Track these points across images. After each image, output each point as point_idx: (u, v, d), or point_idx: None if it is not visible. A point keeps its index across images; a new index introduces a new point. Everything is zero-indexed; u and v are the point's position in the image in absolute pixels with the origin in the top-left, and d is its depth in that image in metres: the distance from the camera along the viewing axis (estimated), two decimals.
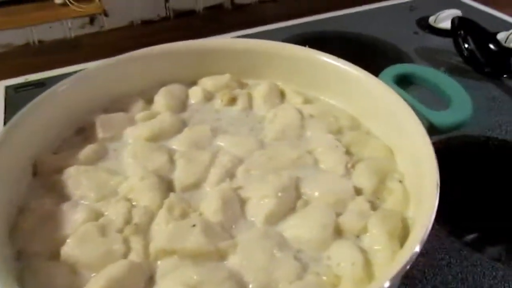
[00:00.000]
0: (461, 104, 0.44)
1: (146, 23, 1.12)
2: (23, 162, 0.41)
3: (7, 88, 0.85)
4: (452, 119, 0.43)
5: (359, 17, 1.09)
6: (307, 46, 0.52)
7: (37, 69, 0.90)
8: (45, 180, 0.41)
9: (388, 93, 0.44)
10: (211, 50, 0.54)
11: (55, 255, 0.35)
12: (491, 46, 0.91)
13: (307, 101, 0.52)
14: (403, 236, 0.35)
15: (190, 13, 1.16)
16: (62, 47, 1.02)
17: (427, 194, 0.33)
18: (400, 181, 0.41)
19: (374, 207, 0.38)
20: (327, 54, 0.51)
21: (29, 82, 0.87)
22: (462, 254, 0.53)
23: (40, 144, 0.44)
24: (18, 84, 0.86)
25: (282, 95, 0.53)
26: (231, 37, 0.94)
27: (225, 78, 0.54)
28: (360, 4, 1.13)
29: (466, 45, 0.91)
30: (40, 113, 0.43)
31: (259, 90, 0.52)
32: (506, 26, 1.00)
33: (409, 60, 0.94)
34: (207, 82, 0.54)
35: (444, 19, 1.04)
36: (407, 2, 1.20)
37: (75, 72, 0.92)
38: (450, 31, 0.99)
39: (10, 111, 0.79)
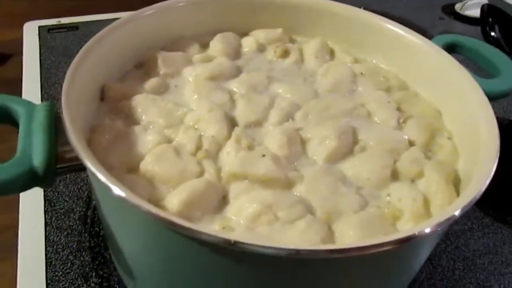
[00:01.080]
0: (509, 73, 0.47)
1: None
2: (93, 86, 0.43)
3: (40, 28, 0.85)
4: (502, 87, 0.46)
5: None
6: (362, 7, 0.54)
7: (68, 13, 0.90)
8: (112, 104, 0.43)
9: (444, 56, 0.46)
10: (265, 2, 0.55)
11: (132, 169, 0.37)
12: None
13: (356, 60, 0.54)
14: (454, 185, 0.38)
15: None
16: None
17: (486, 153, 0.35)
18: (449, 138, 0.43)
19: (427, 157, 0.40)
20: (382, 17, 0.53)
21: (62, 24, 0.87)
22: (484, 222, 0.57)
23: (106, 73, 0.45)
24: (52, 25, 0.86)
25: (332, 53, 0.55)
26: None
27: (278, 32, 0.55)
28: None
29: (493, 33, 0.93)
30: (106, 43, 0.45)
31: (311, 45, 0.54)
32: None
33: None
34: (260, 34, 0.55)
35: (471, 7, 1.06)
36: None
37: (108, 19, 0.93)
38: (476, 19, 1.01)
39: (44, 50, 0.80)
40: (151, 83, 0.45)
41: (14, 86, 0.71)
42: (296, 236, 0.31)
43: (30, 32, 0.84)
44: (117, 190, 0.28)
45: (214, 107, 0.42)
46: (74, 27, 0.87)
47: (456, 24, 1.05)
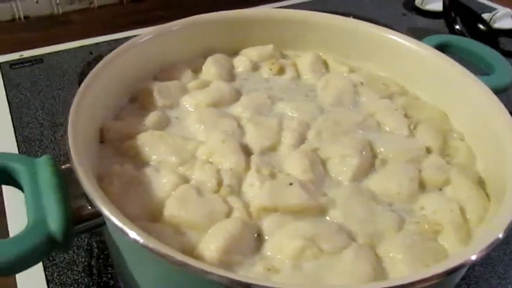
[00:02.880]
0: (503, 70, 0.48)
1: (135, 0, 1.08)
2: (91, 129, 0.39)
3: (2, 64, 0.79)
4: (498, 83, 0.47)
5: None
6: (351, 16, 0.54)
7: (28, 46, 0.84)
8: (115, 146, 0.40)
9: (440, 56, 0.47)
10: (253, 20, 0.54)
11: (155, 217, 0.34)
12: (480, 26, 0.97)
13: (352, 69, 0.53)
14: (481, 187, 0.38)
15: None
16: (51, 23, 0.96)
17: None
18: (462, 140, 0.43)
19: (447, 162, 0.40)
20: (370, 24, 0.53)
21: (25, 58, 0.81)
22: None
23: (102, 113, 0.42)
24: (13, 60, 0.81)
25: (326, 65, 0.54)
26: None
27: (269, 48, 0.54)
28: None
29: (457, 26, 0.97)
30: (100, 81, 0.41)
31: (305, 59, 0.53)
32: (487, 9, 1.07)
33: None
34: (251, 53, 0.54)
35: (430, 1, 1.09)
36: None
37: (73, 48, 0.88)
38: (437, 12, 1.04)
39: (10, 88, 0.74)
40: (152, 118, 0.42)
41: None
42: (346, 270, 0.30)
43: None
44: (156, 248, 0.26)
45: (226, 137, 0.39)
46: (38, 60, 0.81)
47: (419, 19, 1.08)
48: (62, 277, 0.47)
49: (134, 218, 0.33)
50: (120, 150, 0.40)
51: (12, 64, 0.80)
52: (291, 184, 0.35)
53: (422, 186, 0.38)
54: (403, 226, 0.35)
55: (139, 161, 0.39)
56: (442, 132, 0.44)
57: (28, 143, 0.63)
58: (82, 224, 0.31)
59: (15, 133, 0.65)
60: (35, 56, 0.82)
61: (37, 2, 0.96)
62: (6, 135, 0.64)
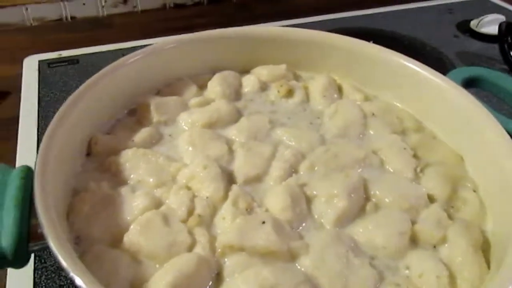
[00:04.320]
0: None
1: (178, 6, 1.10)
2: (78, 141, 0.39)
3: (41, 62, 0.83)
4: None
5: (394, 15, 1.06)
6: (371, 41, 0.50)
7: (69, 45, 0.88)
8: (99, 161, 0.39)
9: (463, 95, 0.42)
10: (268, 38, 0.52)
11: (116, 241, 0.33)
12: None
13: (366, 98, 0.49)
14: (483, 250, 0.33)
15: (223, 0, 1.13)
16: (95, 25, 1.00)
17: None
18: (474, 191, 0.38)
19: (449, 216, 0.36)
20: (393, 52, 0.48)
21: (63, 58, 0.85)
22: None
23: (94, 124, 0.42)
24: (52, 59, 0.84)
25: (339, 90, 0.51)
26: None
27: (281, 68, 0.51)
28: (397, 3, 1.10)
29: None
30: (96, 92, 0.41)
31: (317, 83, 0.50)
32: None
33: (451, 64, 0.91)
34: (262, 72, 0.51)
35: (487, 24, 1.01)
36: (446, 4, 1.16)
37: (109, 51, 0.91)
38: (493, 36, 0.96)
39: (43, 86, 0.77)
40: (142, 134, 0.42)
41: (11, 125, 0.69)
42: None
43: (30, 67, 0.82)
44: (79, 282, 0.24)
45: (209, 163, 0.38)
46: (74, 60, 0.85)
47: (472, 42, 1.00)
48: (49, 281, 0.48)
49: (95, 240, 0.32)
50: (103, 165, 0.39)
51: (50, 63, 0.83)
52: (263, 222, 0.33)
53: (413, 241, 0.34)
54: (380, 286, 0.31)
55: (118, 179, 0.38)
56: (452, 180, 0.39)
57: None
58: (38, 242, 0.30)
59: (37, 131, 0.68)
60: (72, 56, 0.85)
61: (84, 4, 1.00)
62: (29, 134, 0.67)
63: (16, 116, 0.71)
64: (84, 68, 0.82)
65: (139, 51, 0.45)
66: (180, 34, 0.89)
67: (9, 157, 0.61)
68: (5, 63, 0.86)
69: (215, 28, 0.93)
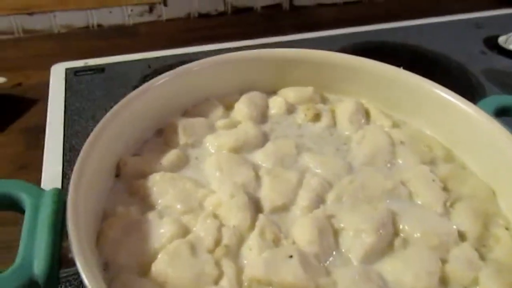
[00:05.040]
0: None
1: (203, 16, 1.10)
2: (109, 162, 0.40)
3: (67, 70, 0.85)
4: None
5: (420, 30, 1.05)
6: (401, 67, 0.49)
7: (95, 53, 0.89)
8: (128, 183, 0.40)
9: (494, 127, 0.41)
10: (296, 59, 0.52)
11: (144, 270, 0.33)
12: None
13: (395, 124, 0.49)
14: None
15: (248, 10, 1.14)
16: (121, 33, 1.02)
17: None
18: (507, 229, 0.37)
19: (481, 256, 0.35)
20: (423, 78, 0.48)
21: (89, 66, 0.86)
22: None
23: (124, 145, 0.42)
24: (78, 67, 0.85)
25: (367, 115, 0.50)
26: (287, 40, 0.92)
27: (309, 90, 0.51)
28: (422, 17, 1.09)
29: None
30: (125, 115, 0.42)
31: (345, 107, 0.49)
32: None
33: (477, 81, 0.89)
34: (289, 94, 0.51)
35: None
36: (474, 18, 1.14)
37: (134, 60, 0.92)
38: None
39: (69, 94, 0.79)
40: (171, 156, 0.42)
41: (40, 133, 0.70)
42: None
43: (57, 75, 0.84)
44: None
45: (236, 191, 0.37)
46: (100, 69, 0.86)
47: (500, 59, 0.98)
48: None
49: (123, 268, 0.33)
50: (132, 188, 0.39)
51: (77, 71, 0.85)
52: (291, 256, 0.33)
53: (444, 282, 0.33)
54: None
55: (146, 203, 0.38)
56: (484, 215, 0.38)
57: (73, 152, 0.66)
58: (69, 269, 0.31)
59: (63, 140, 0.69)
60: (98, 65, 0.87)
61: (110, 12, 1.01)
62: (55, 142, 0.68)
63: (44, 124, 0.72)
64: (110, 77, 0.83)
65: (167, 73, 0.46)
66: (204, 44, 0.90)
67: (37, 164, 0.62)
68: (33, 69, 0.88)
69: (239, 39, 0.94)
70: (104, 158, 0.38)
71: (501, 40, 1.00)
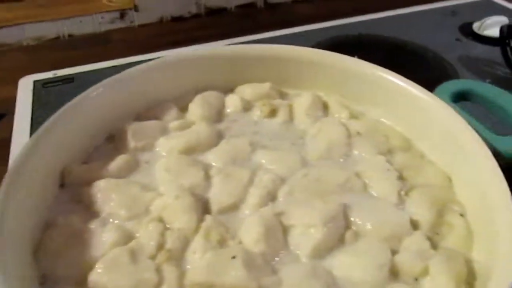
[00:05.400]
0: None
1: (176, 19, 1.09)
2: (51, 172, 0.39)
3: (36, 82, 0.83)
4: None
5: (396, 21, 1.04)
6: (356, 56, 0.48)
7: (67, 64, 0.88)
8: (73, 192, 0.39)
9: (449, 114, 0.40)
10: (250, 56, 0.51)
11: (82, 281, 0.32)
12: None
13: (352, 115, 0.48)
14: (468, 283, 0.31)
15: (222, 10, 1.13)
16: (92, 42, 1.00)
17: (503, 240, 0.29)
18: (461, 215, 0.36)
19: (433, 245, 0.34)
20: (380, 67, 0.47)
21: (58, 77, 0.85)
22: None
23: (70, 153, 0.41)
24: (47, 79, 0.84)
25: (325, 107, 0.49)
26: (264, 38, 0.91)
27: (265, 86, 0.50)
28: (396, 7, 1.08)
29: None
30: (72, 119, 0.41)
31: (301, 101, 0.48)
32: None
33: (453, 70, 0.88)
34: (246, 90, 0.50)
35: (490, 26, 0.98)
36: (448, 6, 1.13)
37: (105, 68, 0.91)
38: (497, 39, 0.93)
39: (37, 107, 0.77)
40: (118, 162, 0.41)
41: (4, 148, 0.69)
42: None
43: (25, 88, 0.82)
44: None
45: (181, 193, 0.36)
46: (69, 79, 0.84)
47: (475, 45, 0.97)
48: None
49: (61, 280, 0.31)
50: (76, 197, 0.38)
51: (45, 82, 0.83)
52: (233, 257, 0.31)
53: (394, 274, 0.32)
54: None
55: (91, 212, 0.37)
56: (439, 203, 0.37)
57: None
58: None
59: None
60: (67, 75, 0.85)
61: (80, 21, 1.00)
62: None
63: (10, 138, 0.71)
64: (79, 87, 0.81)
65: (112, 78, 0.44)
66: (180, 47, 0.89)
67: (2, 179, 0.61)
68: (2, 84, 0.87)
69: (217, 40, 0.92)
70: (43, 167, 0.37)
71: (476, 26, 0.99)
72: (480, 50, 0.95)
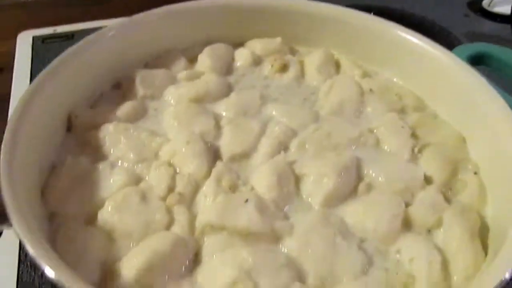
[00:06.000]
0: None
1: None
2: (57, 115, 0.37)
3: (35, 38, 0.81)
4: None
5: None
6: (372, 13, 0.47)
7: (66, 21, 0.85)
8: (79, 136, 0.38)
9: (469, 73, 0.39)
10: (263, 9, 0.49)
11: (91, 219, 0.31)
12: None
13: (365, 74, 0.47)
14: (481, 236, 0.31)
15: None
16: (91, 1, 0.97)
17: None
18: (475, 173, 0.36)
19: (447, 199, 0.33)
20: (396, 24, 0.46)
21: (58, 34, 0.82)
22: None
23: (76, 97, 0.40)
24: (47, 35, 0.82)
25: (337, 65, 0.48)
26: None
27: (276, 42, 0.49)
28: None
29: None
30: (78, 62, 0.39)
31: (313, 58, 0.47)
32: None
33: (460, 45, 0.87)
34: (256, 45, 0.49)
35: (499, 3, 0.96)
36: None
37: (104, 26, 0.88)
38: (506, 16, 0.91)
39: (36, 62, 0.75)
40: (126, 108, 0.40)
41: (4, 102, 0.67)
42: None
43: (24, 43, 0.80)
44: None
45: (192, 138, 0.35)
46: (69, 35, 0.82)
47: (483, 22, 0.95)
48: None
49: (69, 217, 0.31)
50: (83, 140, 0.37)
51: (45, 38, 0.81)
52: (246, 201, 0.31)
53: (407, 225, 0.32)
54: (369, 270, 0.29)
55: (98, 154, 0.36)
56: (452, 161, 0.37)
57: None
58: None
59: None
60: (67, 32, 0.83)
61: None
62: None
63: (9, 93, 0.69)
64: None
65: (120, 22, 0.43)
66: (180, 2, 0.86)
67: (1, 134, 0.60)
68: (1, 40, 0.84)
69: None
70: (49, 110, 0.36)
71: (485, 3, 0.97)
72: (488, 27, 0.93)
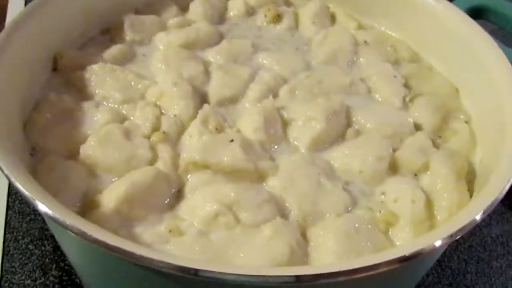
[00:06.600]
0: None
1: None
2: (42, 54, 0.37)
3: None
4: None
5: None
6: None
7: None
8: (65, 75, 0.37)
9: (469, 23, 0.38)
10: None
11: (73, 154, 0.31)
12: None
13: (361, 27, 0.46)
14: (468, 181, 0.31)
15: None
16: None
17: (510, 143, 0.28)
18: (466, 122, 0.35)
19: (436, 145, 0.33)
20: None
21: None
22: (504, 217, 0.49)
23: (63, 39, 0.39)
24: None
25: (333, 18, 0.47)
26: None
27: None
28: None
29: None
30: (63, 3, 0.38)
31: (308, 9, 0.46)
32: None
33: None
34: None
35: None
36: None
37: None
38: None
39: None
40: (113, 50, 0.39)
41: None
42: (258, 247, 0.25)
43: None
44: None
45: (179, 80, 0.35)
46: None
47: None
48: (23, 206, 0.46)
49: (51, 151, 0.30)
50: (69, 80, 0.36)
51: None
52: (231, 141, 0.30)
53: (393, 168, 0.31)
54: (352, 210, 0.29)
55: (83, 94, 0.35)
56: (444, 110, 0.36)
57: None
58: None
59: None
60: None
61: None
62: None
63: (5, 4, 0.67)
64: None
65: None
66: None
67: None
68: None
69: None
70: (32, 48, 0.35)
71: None
72: None
